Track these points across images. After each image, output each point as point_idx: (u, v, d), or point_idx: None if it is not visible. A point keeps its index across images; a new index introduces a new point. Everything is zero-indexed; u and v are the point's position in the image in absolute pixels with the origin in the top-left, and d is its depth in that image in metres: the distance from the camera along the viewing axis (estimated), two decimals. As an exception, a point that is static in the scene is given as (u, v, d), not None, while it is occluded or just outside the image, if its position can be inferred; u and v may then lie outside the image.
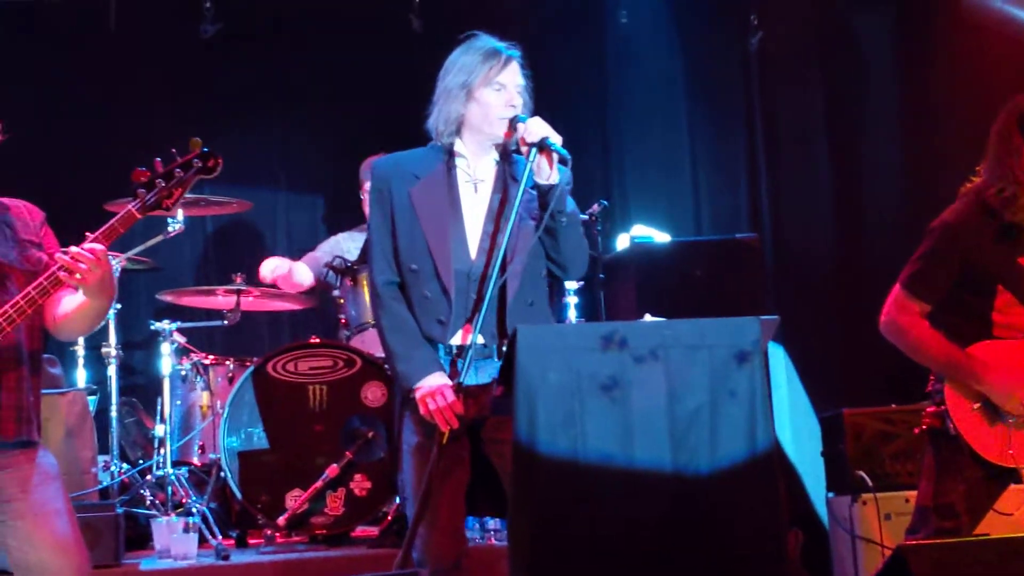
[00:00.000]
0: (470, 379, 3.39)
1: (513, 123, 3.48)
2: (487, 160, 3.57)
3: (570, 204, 3.51)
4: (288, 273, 5.61)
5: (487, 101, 3.49)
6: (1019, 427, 3.63)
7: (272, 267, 5.60)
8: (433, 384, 3.35)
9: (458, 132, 3.54)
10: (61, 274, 3.16)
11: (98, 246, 3.15)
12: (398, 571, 3.38)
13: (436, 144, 3.57)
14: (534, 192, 3.45)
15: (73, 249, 3.15)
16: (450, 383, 3.33)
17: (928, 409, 3.77)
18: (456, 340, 3.43)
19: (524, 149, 3.41)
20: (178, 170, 3.24)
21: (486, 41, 3.54)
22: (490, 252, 3.46)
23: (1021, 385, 3.63)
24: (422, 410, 3.34)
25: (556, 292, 5.24)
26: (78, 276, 3.14)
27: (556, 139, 3.38)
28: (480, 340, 3.40)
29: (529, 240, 3.45)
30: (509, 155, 3.56)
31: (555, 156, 3.37)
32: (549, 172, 3.39)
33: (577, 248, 3.57)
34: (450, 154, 3.56)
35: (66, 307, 3.36)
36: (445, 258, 3.44)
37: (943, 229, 3.72)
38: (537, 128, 3.39)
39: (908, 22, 6.75)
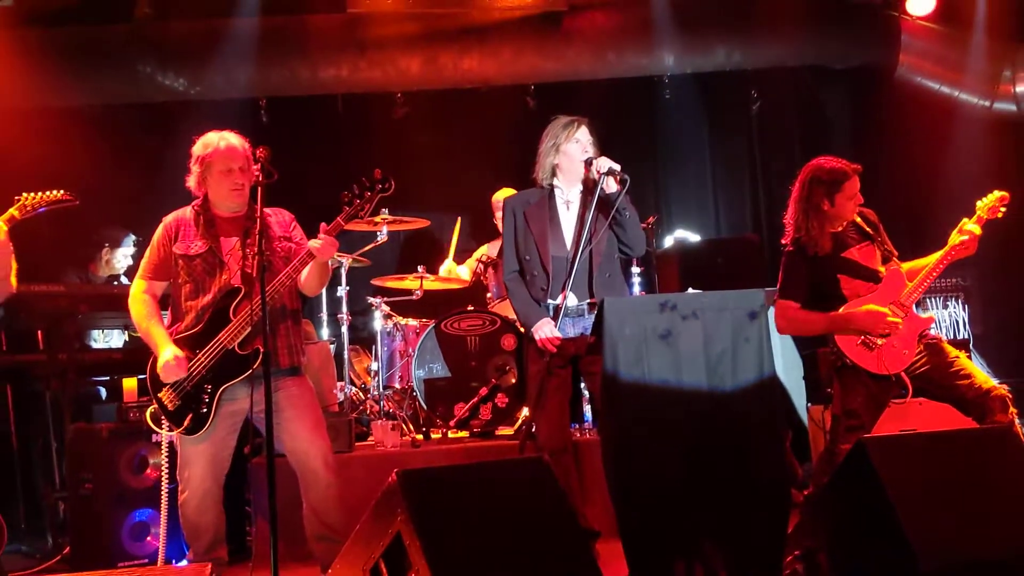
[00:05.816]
0: (570, 330, 3.51)
1: (589, 163, 3.59)
2: (575, 190, 3.69)
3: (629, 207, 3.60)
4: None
5: (570, 152, 3.61)
6: (886, 348, 3.61)
7: (446, 271, 5.70)
8: (542, 326, 3.51)
9: (553, 175, 3.68)
10: (313, 248, 3.29)
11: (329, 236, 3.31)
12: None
13: (541, 185, 3.71)
14: (606, 200, 3.54)
15: (323, 236, 3.30)
16: (552, 325, 3.49)
17: (830, 356, 3.73)
18: (556, 301, 3.53)
19: (596, 176, 3.53)
20: (367, 191, 3.34)
21: (565, 118, 3.67)
22: (577, 243, 3.56)
23: (877, 319, 3.59)
24: (537, 342, 3.49)
25: (626, 273, 5.21)
26: (327, 252, 3.30)
27: (616, 166, 3.52)
28: (574, 301, 3.51)
29: (605, 232, 3.56)
30: (591, 187, 3.61)
31: (617, 176, 3.50)
32: (616, 187, 3.52)
33: (638, 234, 3.65)
34: (551, 189, 3.69)
35: (304, 273, 3.44)
36: (545, 252, 3.59)
37: (788, 254, 3.76)
38: (604, 162, 3.54)
39: (858, 92, 6.57)
